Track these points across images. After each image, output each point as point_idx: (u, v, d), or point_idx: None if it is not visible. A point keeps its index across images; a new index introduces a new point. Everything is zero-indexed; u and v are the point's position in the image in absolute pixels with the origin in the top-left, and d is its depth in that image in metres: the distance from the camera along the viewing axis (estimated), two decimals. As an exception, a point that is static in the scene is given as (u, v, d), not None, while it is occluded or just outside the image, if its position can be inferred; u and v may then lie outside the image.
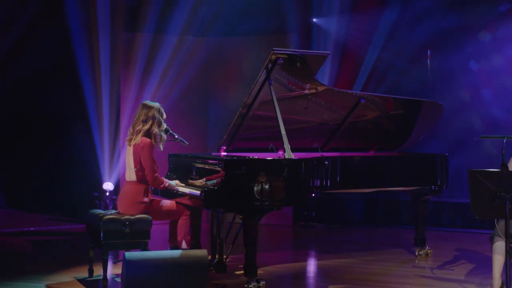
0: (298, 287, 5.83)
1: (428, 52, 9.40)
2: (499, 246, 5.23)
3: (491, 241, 5.27)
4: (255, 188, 5.32)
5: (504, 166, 4.64)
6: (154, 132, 5.68)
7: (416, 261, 6.84)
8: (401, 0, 8.98)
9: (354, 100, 6.63)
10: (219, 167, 5.51)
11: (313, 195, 8.97)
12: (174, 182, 5.91)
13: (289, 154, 5.64)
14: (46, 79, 9.10)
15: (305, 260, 6.90)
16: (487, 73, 9.06)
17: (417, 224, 7.03)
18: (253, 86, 5.94)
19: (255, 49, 8.60)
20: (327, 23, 9.24)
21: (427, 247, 7.02)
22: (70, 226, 8.69)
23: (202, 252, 5.15)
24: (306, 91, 6.40)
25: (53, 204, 9.75)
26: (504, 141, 4.76)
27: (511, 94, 8.90)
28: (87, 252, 5.84)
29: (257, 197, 5.32)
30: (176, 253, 5.15)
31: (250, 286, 5.40)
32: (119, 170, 8.87)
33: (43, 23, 8.70)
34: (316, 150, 6.80)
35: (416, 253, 7.00)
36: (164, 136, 5.81)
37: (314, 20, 9.29)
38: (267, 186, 5.34)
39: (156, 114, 5.70)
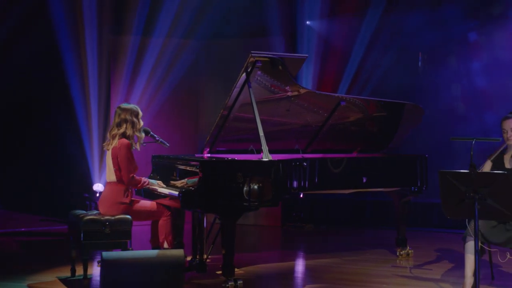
0: (275, 286, 5.90)
1: (420, 55, 9.45)
2: (471, 245, 5.31)
3: (464, 240, 5.35)
4: (235, 189, 5.40)
5: (473, 167, 4.71)
6: (128, 134, 5.78)
7: (397, 261, 6.91)
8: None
9: (334, 103, 6.70)
10: (196, 168, 5.60)
11: (301, 196, 9.27)
12: (155, 182, 6.01)
13: (266, 156, 5.72)
14: (33, 83, 9.19)
15: (287, 260, 6.97)
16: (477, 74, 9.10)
17: (398, 224, 7.10)
18: (233, 88, 6.04)
19: (244, 51, 8.69)
20: (318, 26, 9.34)
21: (408, 247, 7.09)
22: (61, 227, 8.78)
23: (178, 252, 5.24)
24: (289, 93, 6.50)
25: (45, 205, 9.85)
26: (473, 142, 4.83)
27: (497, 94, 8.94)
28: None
29: (235, 197, 5.41)
30: (153, 253, 5.24)
31: (227, 285, 5.48)
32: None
33: (28, 27, 8.79)
34: (297, 152, 6.87)
35: (397, 253, 7.08)
36: (141, 135, 5.90)
37: (308, 22, 9.38)
38: (244, 187, 5.43)
39: (129, 117, 5.80)
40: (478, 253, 4.84)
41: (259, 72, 6.06)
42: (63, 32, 8.62)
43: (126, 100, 8.79)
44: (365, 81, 9.07)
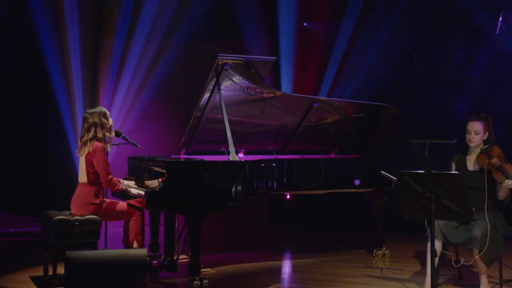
0: (241, 286, 6.01)
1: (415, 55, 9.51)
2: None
3: (425, 240, 5.43)
4: (200, 190, 5.54)
5: (428, 168, 4.80)
6: (99, 137, 5.92)
7: (374, 261, 7.01)
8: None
9: (307, 104, 6.81)
10: (163, 169, 5.74)
11: (288, 197, 9.39)
12: (127, 183, 6.15)
13: (233, 157, 5.85)
14: (16, 85, 9.33)
15: (263, 260, 7.08)
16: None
17: (375, 225, 7.19)
18: (204, 90, 6.18)
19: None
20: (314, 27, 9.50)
21: (384, 248, 7.18)
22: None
23: (141, 251, 5.37)
24: (265, 95, 6.63)
25: (36, 206, 10.01)
26: (428, 143, 4.92)
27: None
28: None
29: (200, 198, 5.54)
30: (116, 252, 5.37)
31: (193, 284, 5.62)
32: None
33: (9, 30, 8.97)
34: (271, 153, 6.99)
35: (374, 254, 7.17)
36: (111, 135, 6.04)
37: (305, 24, 9.52)
38: (210, 188, 5.56)
39: (97, 119, 5.93)
40: (434, 252, 4.92)
41: (235, 74, 6.20)
42: (45, 34, 8.78)
43: (112, 101, 8.98)
44: (347, 82, 9.16)
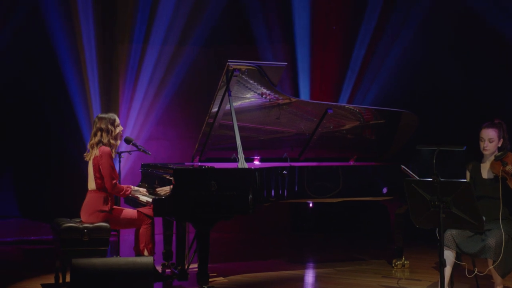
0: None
1: None
2: (446, 255, 5.34)
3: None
4: (207, 197, 5.58)
5: (436, 175, 4.76)
6: (104, 142, 6.02)
7: (393, 271, 6.95)
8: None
9: (322, 110, 6.81)
10: (170, 176, 5.80)
11: (311, 205, 9.38)
12: (137, 189, 6.24)
13: (242, 164, 5.88)
14: (33, 92, 9.49)
15: (277, 269, 7.08)
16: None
17: (394, 234, 7.13)
18: (214, 96, 6.23)
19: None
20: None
21: (404, 258, 7.12)
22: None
23: (148, 259, 5.43)
24: (280, 101, 6.67)
25: (58, 213, 10.17)
26: (437, 151, 4.88)
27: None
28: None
29: (207, 206, 5.59)
30: (122, 260, 5.44)
31: (200, 293, 5.67)
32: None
33: (24, 38, 9.14)
34: (285, 160, 7.00)
35: (393, 264, 7.11)
36: (116, 143, 6.12)
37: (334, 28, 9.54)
38: (218, 196, 5.60)
39: (103, 125, 6.04)
40: (443, 262, 4.87)
41: (248, 80, 6.25)
42: (61, 40, 8.94)
43: (130, 107, 9.10)
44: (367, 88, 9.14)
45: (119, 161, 6.75)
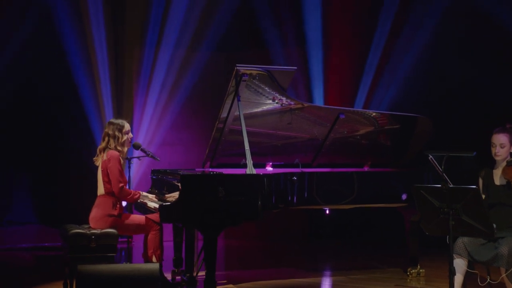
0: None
1: None
2: (457, 263, 5.32)
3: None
4: (215, 203, 5.60)
5: (444, 182, 4.74)
6: (111, 148, 6.08)
7: (408, 280, 6.91)
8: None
9: (334, 115, 6.80)
10: (178, 182, 5.83)
11: (327, 212, 9.37)
12: (145, 195, 6.28)
13: (250, 170, 5.89)
14: (45, 98, 9.59)
15: (289, 277, 7.08)
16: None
17: (408, 242, 7.09)
18: (224, 100, 6.26)
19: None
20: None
21: (419, 266, 7.07)
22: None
23: (154, 266, 5.45)
24: (292, 106, 6.68)
25: (73, 219, 10.27)
26: (445, 157, 4.86)
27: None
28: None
29: (215, 212, 5.61)
30: (128, 266, 5.48)
31: (208, 301, 5.69)
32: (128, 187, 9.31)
33: (36, 44, 9.25)
34: (297, 166, 6.99)
35: (408, 272, 7.06)
36: (123, 150, 6.18)
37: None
38: (225, 202, 5.62)
39: (111, 131, 6.11)
40: (452, 271, 4.83)
41: (259, 84, 6.28)
42: (72, 46, 9.05)
43: (143, 112, 9.17)
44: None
45: (129, 167, 6.80)
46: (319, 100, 9.10)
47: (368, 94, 9.10)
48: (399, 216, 7.22)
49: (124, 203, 6.51)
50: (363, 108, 9.02)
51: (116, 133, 6.11)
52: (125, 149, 6.21)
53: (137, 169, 9.13)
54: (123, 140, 6.15)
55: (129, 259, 8.02)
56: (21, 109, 9.50)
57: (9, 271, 7.51)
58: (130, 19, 9.22)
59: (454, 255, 5.33)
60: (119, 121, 6.21)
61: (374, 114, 7.03)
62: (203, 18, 9.18)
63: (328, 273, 7.49)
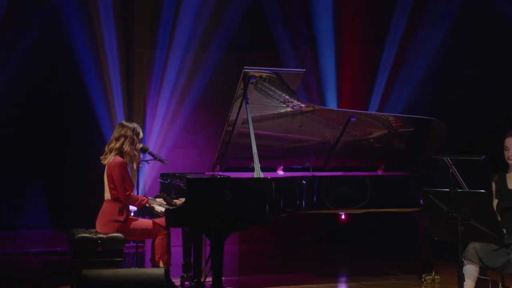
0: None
1: None
2: (468, 269, 5.32)
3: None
4: (221, 207, 5.64)
5: (453, 186, 4.73)
6: (125, 150, 6.13)
7: (422, 287, 6.89)
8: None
9: (345, 118, 6.81)
10: (184, 186, 5.88)
11: (343, 216, 9.38)
12: (155, 199, 6.34)
13: (258, 174, 5.92)
14: (55, 101, 9.65)
15: (298, 283, 7.08)
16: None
17: (422, 247, 7.07)
18: (232, 103, 6.29)
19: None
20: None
21: (434, 273, 7.04)
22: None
23: (159, 271, 5.49)
24: (303, 109, 6.70)
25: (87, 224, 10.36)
26: (454, 160, 4.85)
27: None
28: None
29: (221, 216, 5.65)
30: (133, 271, 5.52)
31: (215, 308, 5.72)
32: (140, 191, 9.35)
33: (44, 44, 9.34)
34: (307, 170, 7.01)
35: (422, 279, 7.04)
36: (138, 155, 6.24)
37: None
38: (232, 206, 5.65)
39: (129, 133, 6.15)
40: (461, 277, 4.83)
41: (270, 86, 6.31)
42: (82, 47, 9.12)
43: (155, 114, 9.24)
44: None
45: (137, 170, 6.84)
46: (332, 102, 9.10)
47: (382, 95, 9.08)
48: (413, 220, 7.20)
49: (135, 208, 6.58)
50: (378, 110, 9.00)
51: (134, 137, 6.17)
52: (141, 155, 6.28)
53: (149, 172, 9.19)
54: (139, 146, 6.21)
55: (141, 264, 8.07)
56: (32, 113, 9.58)
57: (17, 275, 7.59)
58: (141, 20, 9.28)
59: (465, 261, 5.33)
60: (134, 125, 6.26)
61: (386, 117, 7.03)
62: (214, 19, 9.22)
63: (341, 279, 7.49)
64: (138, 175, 6.81)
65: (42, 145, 9.82)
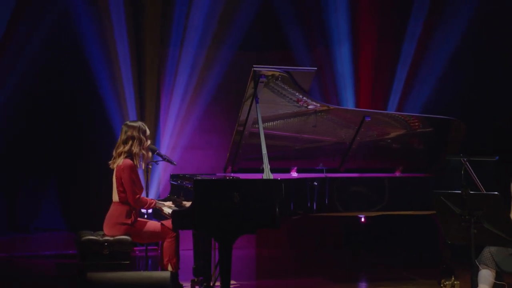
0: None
1: None
2: (484, 274, 5.28)
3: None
4: (229, 210, 5.65)
5: (465, 187, 4.71)
6: (135, 152, 6.17)
7: (440, 293, 6.87)
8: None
9: (359, 118, 6.80)
10: (191, 187, 5.91)
11: (363, 220, 9.35)
12: (163, 202, 6.38)
13: (267, 175, 5.92)
14: (67, 100, 9.71)
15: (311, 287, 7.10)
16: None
17: (441, 251, 7.02)
18: (243, 102, 6.31)
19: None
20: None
21: (453, 278, 6.98)
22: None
23: (165, 274, 5.53)
24: (317, 108, 6.70)
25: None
26: (465, 161, 4.83)
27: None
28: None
29: (229, 218, 5.66)
30: (138, 274, 5.57)
31: (222, 313, 5.74)
32: (153, 192, 9.41)
33: (55, 45, 9.42)
34: (321, 171, 7.00)
35: (442, 284, 6.98)
36: (148, 154, 6.28)
37: None
38: (240, 208, 5.66)
39: (136, 133, 6.19)
40: (474, 282, 4.80)
41: (282, 85, 6.33)
42: (93, 46, 9.19)
43: (169, 113, 9.30)
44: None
45: (146, 171, 6.89)
46: (350, 102, 9.08)
47: (401, 94, 9.03)
48: (433, 223, 7.16)
49: (150, 210, 6.63)
50: (397, 109, 8.97)
51: (141, 136, 6.21)
52: (150, 153, 6.32)
53: (163, 173, 9.24)
54: (147, 144, 6.25)
55: (155, 268, 8.12)
56: (43, 113, 9.67)
57: (26, 279, 7.69)
58: (152, 18, 9.34)
59: (480, 265, 5.29)
60: (139, 123, 6.30)
61: (404, 116, 7.00)
62: (227, 16, 9.25)
63: (359, 284, 7.46)
64: (147, 176, 6.86)
65: (56, 146, 9.91)
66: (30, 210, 9.98)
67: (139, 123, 6.31)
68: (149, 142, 6.32)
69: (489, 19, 8.71)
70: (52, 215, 10.46)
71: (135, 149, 6.19)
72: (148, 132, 6.33)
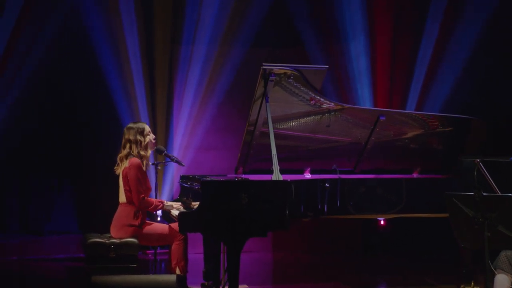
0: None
1: None
2: (500, 280, 5.22)
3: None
4: (237, 211, 5.64)
5: (477, 189, 4.66)
6: (134, 154, 6.20)
7: (460, 298, 6.82)
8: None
9: (374, 117, 6.75)
10: (199, 188, 5.91)
11: (382, 222, 9.31)
12: (170, 204, 6.39)
13: (276, 176, 5.91)
14: (79, 101, 9.76)
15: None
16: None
17: (461, 255, 6.96)
18: (253, 102, 6.30)
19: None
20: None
21: (473, 283, 6.92)
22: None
23: (170, 278, 5.56)
24: (331, 107, 6.67)
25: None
26: (478, 161, 4.78)
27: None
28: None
29: (237, 220, 5.65)
30: (144, 278, 5.60)
31: (231, 318, 5.73)
32: (166, 196, 9.44)
33: (64, 44, 9.48)
34: (334, 172, 6.96)
35: (460, 289, 6.96)
36: (146, 154, 6.30)
37: None
38: (248, 210, 5.65)
39: (132, 136, 6.23)
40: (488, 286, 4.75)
41: (294, 83, 6.31)
42: (103, 45, 9.24)
43: (182, 113, 9.32)
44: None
45: (156, 172, 6.91)
46: (368, 101, 9.03)
47: (420, 93, 8.97)
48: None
49: (159, 212, 6.64)
50: (416, 108, 8.90)
51: (138, 137, 6.23)
52: (149, 152, 6.34)
53: (176, 174, 9.26)
54: (145, 142, 6.27)
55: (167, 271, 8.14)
56: (56, 114, 9.73)
57: (35, 282, 7.75)
58: (163, 16, 9.37)
59: (497, 270, 5.23)
60: (138, 124, 6.35)
61: (421, 115, 6.95)
62: (238, 13, 9.26)
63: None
64: (156, 177, 6.88)
65: (71, 148, 9.98)
66: (42, 213, 10.06)
67: (137, 124, 6.35)
68: (147, 139, 6.31)
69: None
70: (66, 218, 10.53)
71: (134, 151, 6.23)
72: (146, 129, 6.34)
